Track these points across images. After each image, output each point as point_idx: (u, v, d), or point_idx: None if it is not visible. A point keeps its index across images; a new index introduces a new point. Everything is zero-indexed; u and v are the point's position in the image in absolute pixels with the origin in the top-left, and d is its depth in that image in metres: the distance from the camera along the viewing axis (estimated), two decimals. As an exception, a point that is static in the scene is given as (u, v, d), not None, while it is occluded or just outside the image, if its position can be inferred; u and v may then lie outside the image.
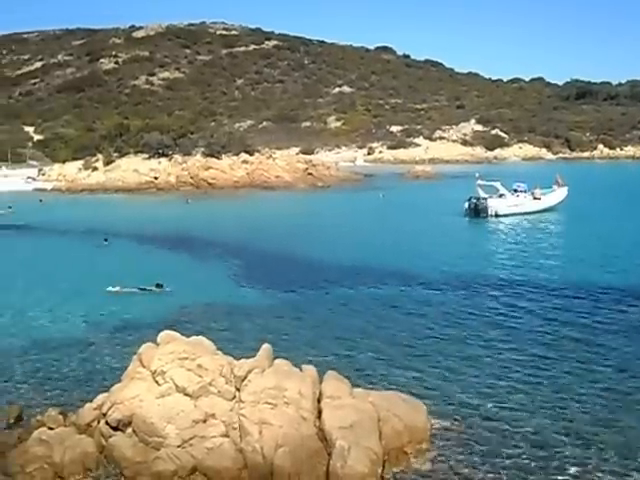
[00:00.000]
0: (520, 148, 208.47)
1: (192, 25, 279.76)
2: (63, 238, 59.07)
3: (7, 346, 27.47)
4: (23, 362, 25.47)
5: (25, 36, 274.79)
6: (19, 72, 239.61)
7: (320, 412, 17.38)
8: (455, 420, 19.47)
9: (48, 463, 16.91)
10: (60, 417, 18.59)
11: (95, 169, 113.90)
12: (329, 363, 22.30)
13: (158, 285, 36.51)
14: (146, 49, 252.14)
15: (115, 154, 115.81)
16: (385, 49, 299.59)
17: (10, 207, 77.40)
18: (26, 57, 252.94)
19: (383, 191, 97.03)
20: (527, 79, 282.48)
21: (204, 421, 17.06)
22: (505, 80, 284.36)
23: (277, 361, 18.93)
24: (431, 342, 26.99)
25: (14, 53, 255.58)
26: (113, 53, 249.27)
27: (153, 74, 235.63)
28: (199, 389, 17.58)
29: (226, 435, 16.80)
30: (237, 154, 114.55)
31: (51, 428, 17.99)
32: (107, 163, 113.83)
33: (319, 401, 17.78)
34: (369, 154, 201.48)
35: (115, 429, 17.36)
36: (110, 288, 36.36)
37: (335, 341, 27.24)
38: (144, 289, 36.32)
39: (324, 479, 15.97)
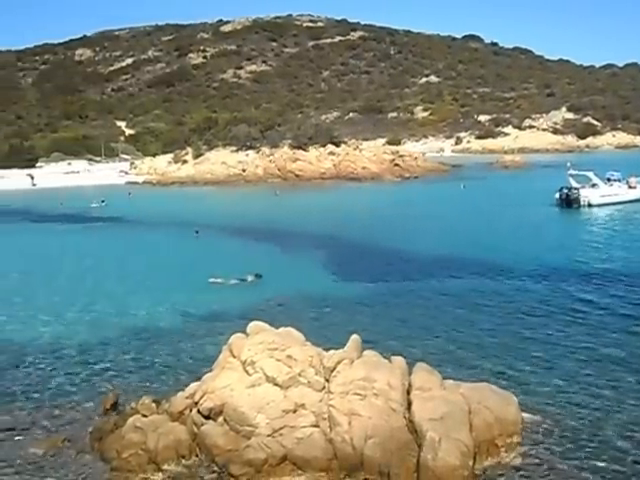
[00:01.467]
0: (613, 136, 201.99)
1: (278, 18, 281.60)
2: (155, 230, 60.38)
3: (104, 335, 28.25)
4: (119, 351, 26.17)
5: (117, 33, 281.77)
6: (111, 69, 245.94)
7: (410, 404, 17.21)
8: (546, 412, 19.03)
9: (143, 449, 17.29)
10: (153, 405, 18.95)
11: (184, 162, 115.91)
12: (417, 354, 22.10)
13: (257, 275, 36.92)
14: (233, 43, 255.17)
15: (204, 147, 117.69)
16: (472, 37, 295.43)
17: (103, 201, 79.53)
18: (118, 54, 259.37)
19: (468, 181, 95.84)
20: (621, 65, 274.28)
21: (294, 411, 17.13)
22: (597, 66, 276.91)
23: (366, 352, 18.86)
24: (519, 334, 26.40)
25: (106, 50, 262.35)
26: (201, 48, 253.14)
27: (240, 67, 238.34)
28: (289, 379, 17.65)
29: (316, 425, 16.83)
30: (324, 145, 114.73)
31: (145, 415, 18.37)
32: (196, 156, 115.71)
33: (408, 393, 17.63)
34: (457, 144, 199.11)
35: (207, 417, 17.59)
36: (212, 279, 36.86)
37: (423, 332, 26.97)
38: (244, 280, 36.74)
39: (414, 471, 15.81)
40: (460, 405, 17.21)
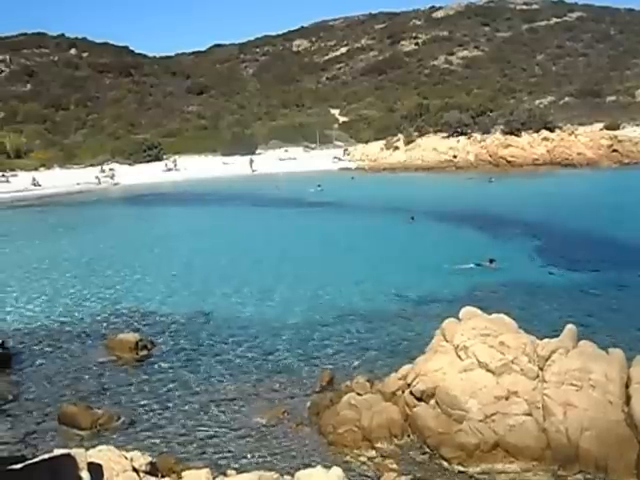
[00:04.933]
0: None
1: (491, 2, 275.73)
2: (370, 214, 61.37)
3: (323, 315, 29.48)
4: (335, 331, 27.20)
5: (331, 23, 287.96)
6: (326, 58, 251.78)
7: (629, 398, 16.66)
8: None
9: (357, 426, 17.98)
10: (367, 384, 19.62)
11: (396, 148, 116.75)
12: (637, 347, 21.20)
13: (491, 260, 36.87)
14: (445, 29, 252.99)
15: (415, 133, 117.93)
16: None
17: (319, 186, 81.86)
18: (332, 43, 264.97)
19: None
20: None
21: (506, 398, 17.12)
22: None
23: (582, 342, 18.44)
24: None
25: (322, 40, 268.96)
26: (413, 35, 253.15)
27: (452, 53, 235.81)
28: (501, 366, 17.64)
29: (529, 414, 16.73)
30: (537, 131, 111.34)
31: (359, 394, 19.07)
32: (407, 142, 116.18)
33: (627, 386, 17.06)
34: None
35: (419, 399, 17.98)
36: (452, 264, 37.11)
37: (641, 325, 25.81)
38: (479, 264, 36.80)
39: (634, 467, 15.33)
40: (685, 402, 16.43)
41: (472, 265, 36.67)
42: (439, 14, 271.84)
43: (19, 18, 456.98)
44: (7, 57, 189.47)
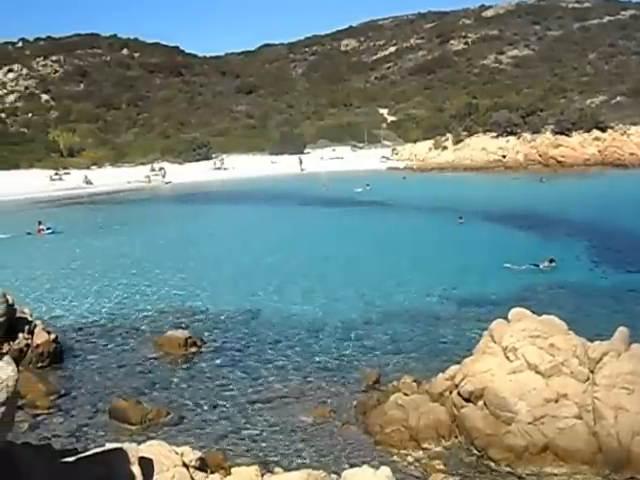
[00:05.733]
0: None
1: (542, 0, 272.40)
2: (418, 214, 61.27)
3: (370, 314, 29.55)
4: (382, 330, 27.23)
5: (380, 23, 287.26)
6: (374, 57, 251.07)
7: (683, 403, 16.36)
8: None
9: (404, 426, 17.95)
10: (414, 384, 19.59)
11: (445, 148, 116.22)
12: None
13: (551, 260, 36.51)
14: (495, 28, 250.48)
15: (464, 133, 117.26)
16: None
17: (368, 185, 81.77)
18: (381, 43, 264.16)
19: None
20: None
21: (556, 400, 16.93)
22: None
23: (634, 346, 18.12)
24: None
25: (370, 40, 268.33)
26: (463, 34, 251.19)
27: (502, 52, 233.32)
28: (551, 368, 17.44)
29: (579, 417, 16.53)
30: (588, 131, 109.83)
31: (406, 394, 19.04)
32: (456, 142, 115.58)
33: (681, 391, 16.75)
34: None
35: (466, 400, 17.88)
36: (507, 265, 36.87)
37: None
38: (536, 265, 36.50)
39: (689, 475, 15.08)
40: None
41: (527, 266, 36.30)
42: (489, 13, 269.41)
43: (73, 19, 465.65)
44: (61, 57, 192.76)
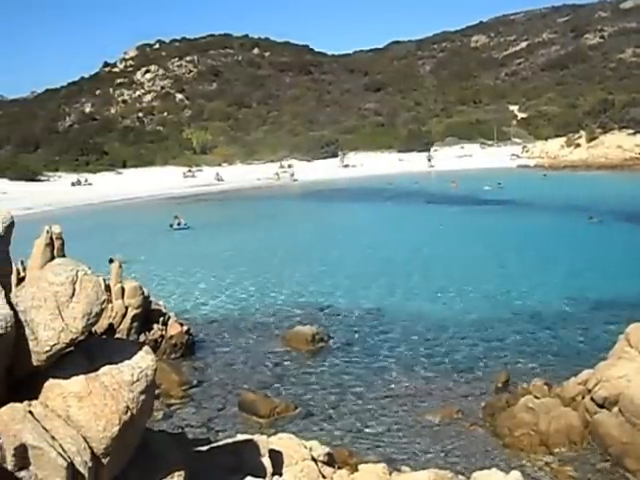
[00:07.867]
0: None
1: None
2: (552, 214, 59.81)
3: (500, 316, 29.04)
4: (512, 332, 26.71)
5: (512, 17, 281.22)
6: (505, 53, 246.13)
7: None
8: None
9: (534, 430, 17.49)
10: (545, 388, 19.05)
11: (577, 146, 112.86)
12: None
13: None
14: (634, 20, 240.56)
15: (598, 130, 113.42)
16: None
17: (500, 183, 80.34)
18: (512, 38, 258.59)
19: None
20: None
21: (698, 411, 16.10)
22: None
23: None
24: None
25: (501, 35, 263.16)
26: (598, 27, 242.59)
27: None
28: (693, 376, 16.61)
29: None
30: None
31: (537, 397, 18.53)
32: (590, 139, 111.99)
33: None
34: None
35: (600, 406, 17.25)
36: None
37: None
38: None
39: None
40: None
41: None
42: (627, 5, 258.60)
43: (206, 21, 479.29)
44: (195, 58, 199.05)
